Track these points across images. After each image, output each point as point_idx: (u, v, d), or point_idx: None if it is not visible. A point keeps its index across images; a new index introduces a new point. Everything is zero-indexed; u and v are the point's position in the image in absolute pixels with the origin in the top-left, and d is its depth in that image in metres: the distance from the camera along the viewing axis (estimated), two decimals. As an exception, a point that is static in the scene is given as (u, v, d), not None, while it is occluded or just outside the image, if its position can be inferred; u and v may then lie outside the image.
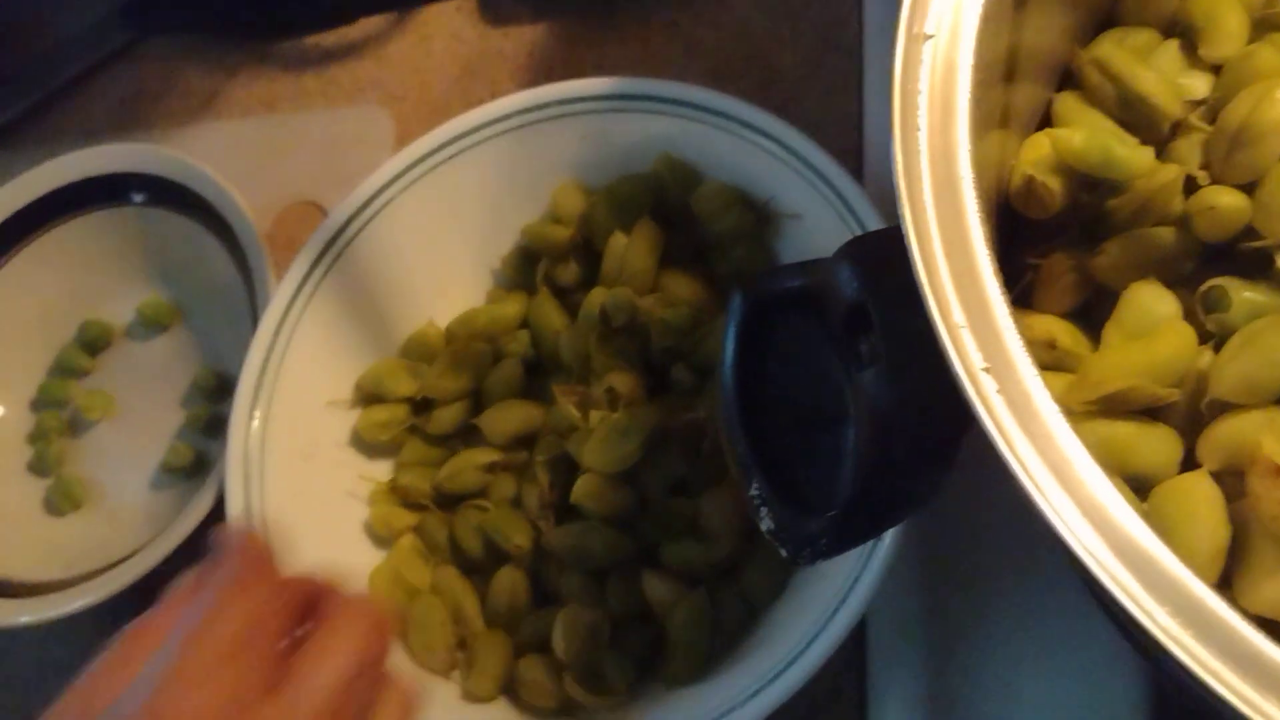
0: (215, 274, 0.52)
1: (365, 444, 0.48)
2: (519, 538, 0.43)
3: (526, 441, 0.47)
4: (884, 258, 0.29)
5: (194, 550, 0.46)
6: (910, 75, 0.27)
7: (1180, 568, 0.22)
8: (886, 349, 0.28)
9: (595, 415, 0.41)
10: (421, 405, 0.48)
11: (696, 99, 0.45)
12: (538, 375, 0.48)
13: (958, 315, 0.25)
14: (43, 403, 0.55)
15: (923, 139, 0.27)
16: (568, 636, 0.40)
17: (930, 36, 0.27)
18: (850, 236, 0.41)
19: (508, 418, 0.47)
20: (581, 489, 0.41)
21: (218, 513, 0.45)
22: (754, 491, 0.32)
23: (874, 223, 0.40)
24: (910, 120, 0.26)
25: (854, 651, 0.41)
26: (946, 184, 0.26)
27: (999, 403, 0.24)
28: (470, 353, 0.47)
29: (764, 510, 0.31)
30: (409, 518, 0.46)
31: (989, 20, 0.28)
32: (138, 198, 0.52)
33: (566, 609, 0.40)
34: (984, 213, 0.26)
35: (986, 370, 0.24)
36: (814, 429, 0.32)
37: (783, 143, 0.43)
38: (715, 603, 0.41)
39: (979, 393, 0.24)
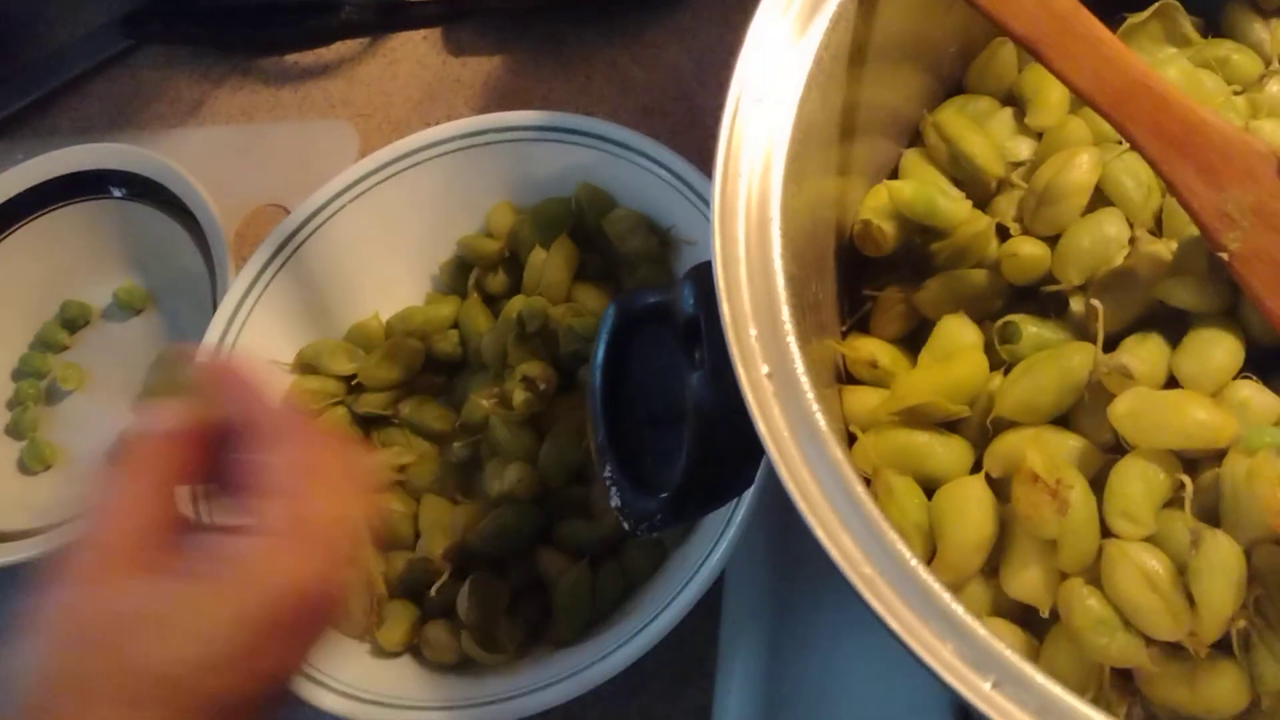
0: (184, 264, 0.57)
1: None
2: (440, 542, 0.47)
3: (437, 436, 0.53)
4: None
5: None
6: (736, 132, 0.33)
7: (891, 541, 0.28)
8: (710, 357, 0.34)
9: (519, 398, 0.47)
10: (352, 387, 0.53)
11: (612, 134, 0.50)
12: (459, 375, 0.54)
13: (751, 329, 0.30)
14: (22, 373, 0.60)
15: (743, 185, 0.32)
16: (470, 601, 0.45)
17: (759, 100, 0.33)
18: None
19: (426, 413, 0.53)
20: (513, 475, 0.46)
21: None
22: (607, 474, 0.37)
23: (750, 252, 0.46)
24: (732, 169, 0.32)
25: (715, 628, 0.47)
26: (760, 223, 0.32)
27: (774, 404, 0.29)
28: (405, 347, 0.53)
29: (614, 490, 0.37)
30: None
31: (812, 88, 0.34)
32: (117, 192, 0.58)
33: (473, 578, 0.46)
34: (786, 247, 0.32)
35: (769, 376, 0.30)
36: (663, 424, 0.38)
37: (683, 178, 0.48)
38: (597, 575, 0.46)
39: (755, 393, 0.29)
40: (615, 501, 0.37)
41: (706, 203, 0.48)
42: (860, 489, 0.29)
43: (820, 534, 0.27)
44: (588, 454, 0.48)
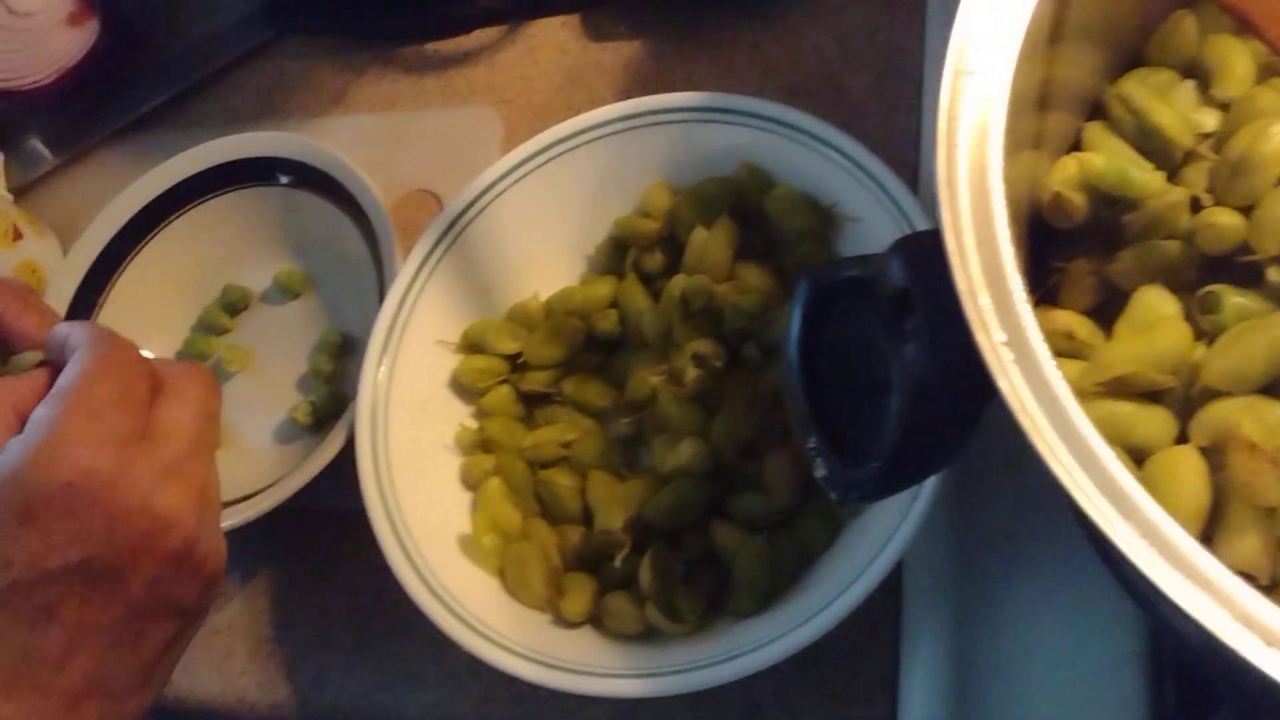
0: (345, 250, 0.59)
1: (460, 389, 0.55)
2: (618, 516, 0.49)
3: (598, 413, 0.54)
4: (927, 252, 0.35)
5: (321, 485, 0.54)
6: (955, 103, 0.33)
7: (1145, 499, 0.28)
8: (925, 328, 0.34)
9: (690, 375, 0.48)
10: (516, 365, 0.55)
11: (775, 114, 0.51)
12: (617, 353, 0.55)
13: (984, 299, 0.31)
14: (186, 355, 0.62)
15: (962, 156, 0.33)
16: (652, 573, 0.46)
17: (972, 73, 0.34)
18: (904, 238, 0.47)
19: (588, 391, 0.54)
20: (688, 451, 0.47)
21: (346, 453, 0.52)
22: (811, 444, 0.38)
23: (924, 226, 0.46)
24: (952, 140, 0.33)
25: (891, 601, 0.47)
26: (980, 193, 0.33)
27: (1014, 370, 0.30)
28: (566, 327, 0.54)
29: (819, 460, 0.38)
30: (490, 460, 0.53)
31: (1023, 60, 0.34)
32: (284, 179, 0.60)
33: (652, 551, 0.47)
34: (1012, 217, 0.32)
35: (1005, 344, 0.30)
36: (862, 395, 0.38)
37: (849, 155, 0.49)
38: (774, 548, 0.47)
39: (997, 361, 0.30)
40: (821, 472, 0.38)
41: (873, 179, 0.48)
42: (1108, 451, 0.29)
43: (1079, 498, 0.28)
44: (759, 428, 0.49)
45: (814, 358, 0.39)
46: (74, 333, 0.40)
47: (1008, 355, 0.30)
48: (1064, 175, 0.40)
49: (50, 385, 0.40)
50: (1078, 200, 0.40)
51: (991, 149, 0.33)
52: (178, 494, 0.38)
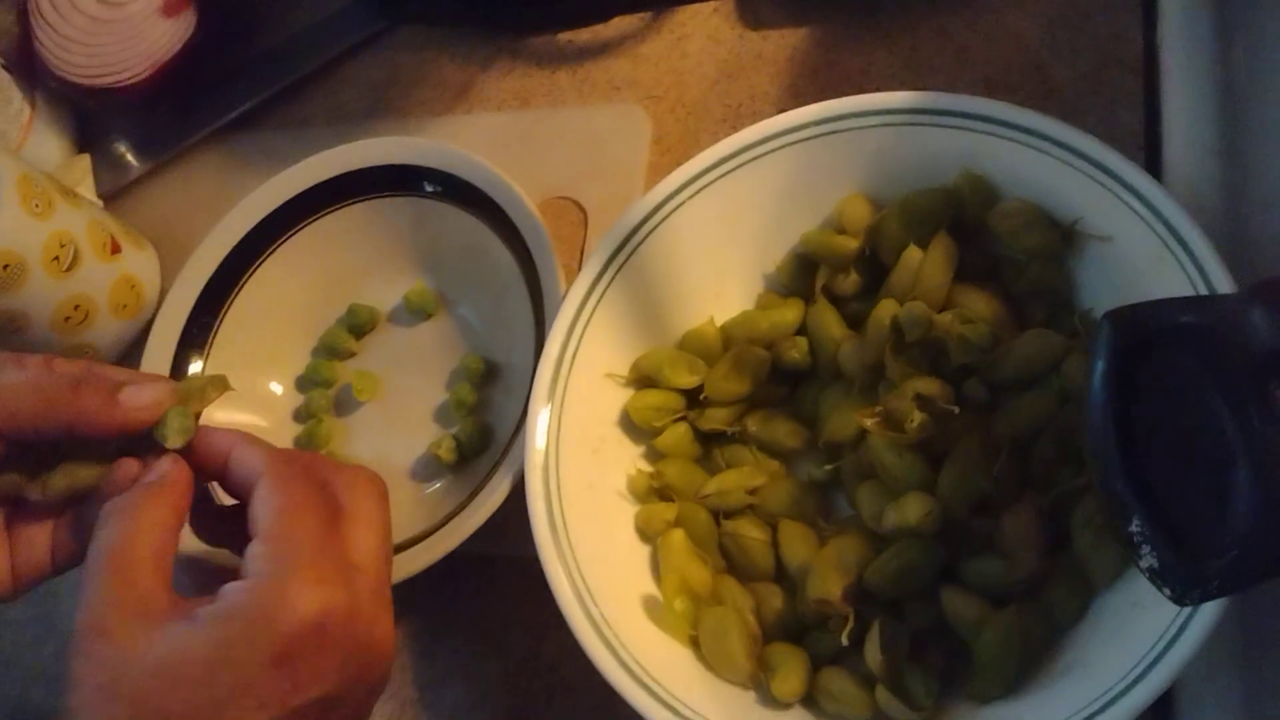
0: (490, 268, 0.53)
1: (630, 427, 0.49)
2: (834, 581, 0.42)
3: (786, 454, 0.48)
4: (1315, 305, 0.29)
5: (487, 533, 0.48)
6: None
7: None
8: (1314, 398, 0.28)
9: (916, 419, 0.41)
10: (693, 399, 0.49)
11: (1004, 115, 0.44)
12: (802, 385, 0.49)
13: None
14: (308, 382, 0.56)
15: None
16: (881, 649, 0.40)
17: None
18: (1175, 265, 0.41)
19: (775, 429, 0.48)
20: (919, 508, 0.41)
21: (515, 496, 0.46)
22: (1134, 529, 0.32)
23: (1208, 253, 0.40)
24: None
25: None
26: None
27: None
28: (751, 357, 0.48)
29: (1145, 549, 0.32)
30: (670, 510, 0.47)
31: None
32: (429, 188, 0.54)
33: (879, 624, 0.41)
34: None
35: None
36: (1189, 468, 0.32)
37: (1100, 164, 0.42)
38: (1021, 621, 0.41)
39: None
40: (1149, 563, 0.32)
41: (1134, 193, 0.42)
42: None
43: None
44: (996, 483, 0.42)
45: (1122, 419, 0.33)
46: (246, 454, 0.40)
47: None
48: None
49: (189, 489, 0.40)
50: None
51: None
52: (388, 620, 0.39)
